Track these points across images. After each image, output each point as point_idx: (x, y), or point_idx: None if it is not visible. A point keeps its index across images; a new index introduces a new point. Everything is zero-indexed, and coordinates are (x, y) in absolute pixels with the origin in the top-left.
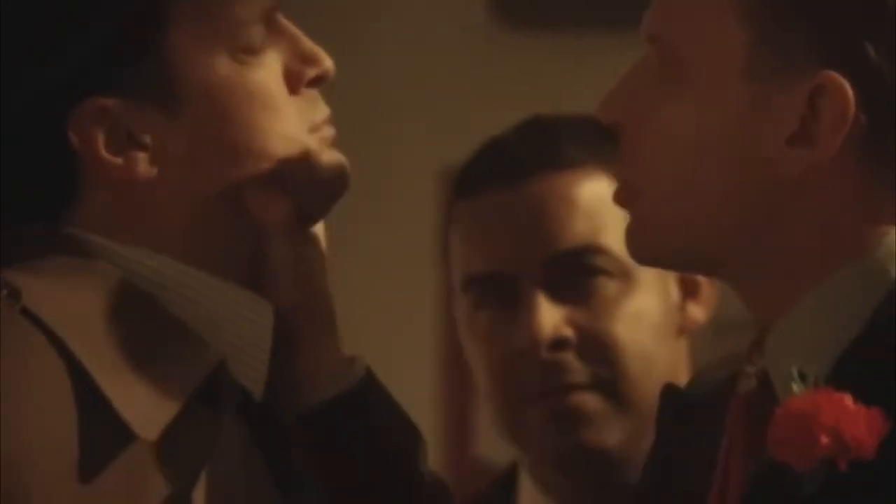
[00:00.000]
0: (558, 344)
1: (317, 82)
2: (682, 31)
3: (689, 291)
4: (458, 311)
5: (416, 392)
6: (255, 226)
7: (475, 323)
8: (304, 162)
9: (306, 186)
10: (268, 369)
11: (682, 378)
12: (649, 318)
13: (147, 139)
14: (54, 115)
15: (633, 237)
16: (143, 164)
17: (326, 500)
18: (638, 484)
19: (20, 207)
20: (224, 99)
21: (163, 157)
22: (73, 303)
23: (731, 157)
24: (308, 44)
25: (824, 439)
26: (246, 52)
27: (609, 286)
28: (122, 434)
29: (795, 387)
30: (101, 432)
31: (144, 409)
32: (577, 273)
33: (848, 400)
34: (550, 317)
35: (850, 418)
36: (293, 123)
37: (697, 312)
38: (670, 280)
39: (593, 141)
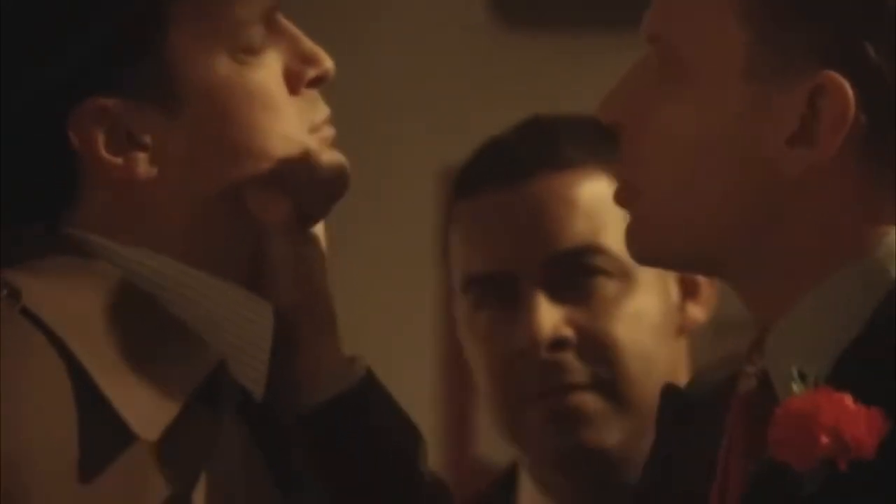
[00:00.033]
0: (558, 344)
1: (317, 82)
2: (682, 31)
3: (688, 291)
4: (458, 312)
5: (416, 392)
6: (255, 226)
7: (475, 323)
8: (304, 162)
9: (306, 187)
10: (268, 369)
11: (682, 378)
12: (649, 318)
13: (147, 139)
14: (54, 115)
15: (634, 237)
16: (143, 165)
17: (326, 501)
18: (638, 484)
19: (20, 207)
20: (224, 99)
21: (163, 158)
22: (73, 303)
23: (731, 157)
24: (308, 44)
25: (824, 439)
26: (246, 52)
27: (609, 286)
28: (122, 434)
29: (795, 387)
30: (101, 433)
31: (144, 409)
32: (576, 273)
33: (848, 400)
34: (550, 317)
35: (851, 418)
36: (293, 123)
37: (697, 312)
38: (670, 280)
39: (593, 141)
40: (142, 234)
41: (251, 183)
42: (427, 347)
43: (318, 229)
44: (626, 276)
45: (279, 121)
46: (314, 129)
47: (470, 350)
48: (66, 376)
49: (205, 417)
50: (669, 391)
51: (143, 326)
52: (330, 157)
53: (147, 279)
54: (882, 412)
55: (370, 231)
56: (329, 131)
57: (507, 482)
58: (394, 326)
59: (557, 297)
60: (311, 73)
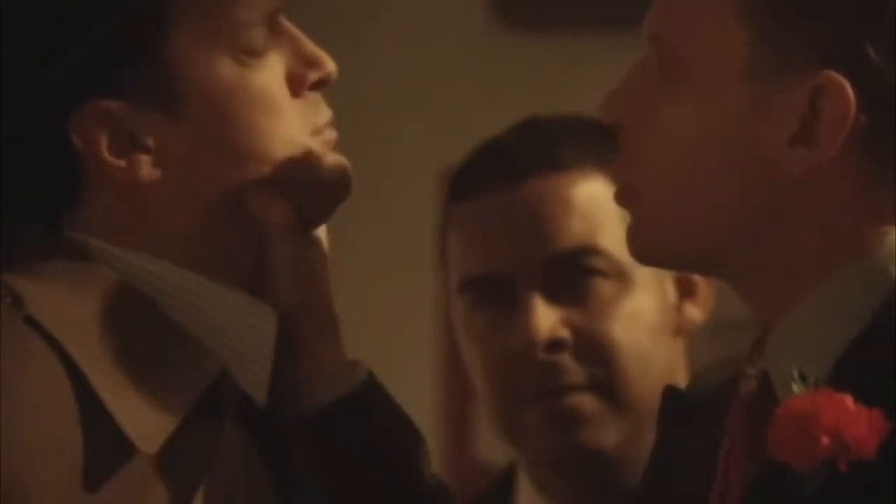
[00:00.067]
0: (555, 345)
1: (319, 85)
2: (682, 31)
3: (685, 291)
4: (455, 313)
5: (416, 392)
6: (257, 229)
7: (472, 324)
8: (306, 165)
9: (308, 189)
10: (270, 374)
11: (680, 378)
12: (646, 318)
13: (150, 142)
14: (56, 116)
15: (634, 238)
16: (145, 167)
17: (326, 502)
18: (639, 486)
19: (21, 208)
20: (226, 101)
21: (165, 160)
22: (74, 309)
23: (731, 157)
24: (311, 46)
25: (824, 440)
26: (248, 54)
27: (605, 287)
28: (123, 445)
29: (796, 387)
30: (103, 443)
31: (145, 422)
32: (573, 274)
33: (848, 400)
34: (547, 318)
35: (851, 419)
36: (295, 126)
37: (694, 312)
38: (667, 280)
39: (590, 142)
40: (143, 236)
41: (253, 185)
42: (427, 348)
43: (321, 232)
44: (622, 277)
45: (281, 123)
46: (316, 132)
47: (467, 351)
48: (67, 383)
49: (206, 426)
50: (670, 393)
51: (145, 334)
52: (332, 160)
53: (148, 283)
54: (883, 413)
55: (370, 231)
56: (331, 134)
57: (505, 483)
58: (394, 327)
59: (554, 298)
60: (314, 75)
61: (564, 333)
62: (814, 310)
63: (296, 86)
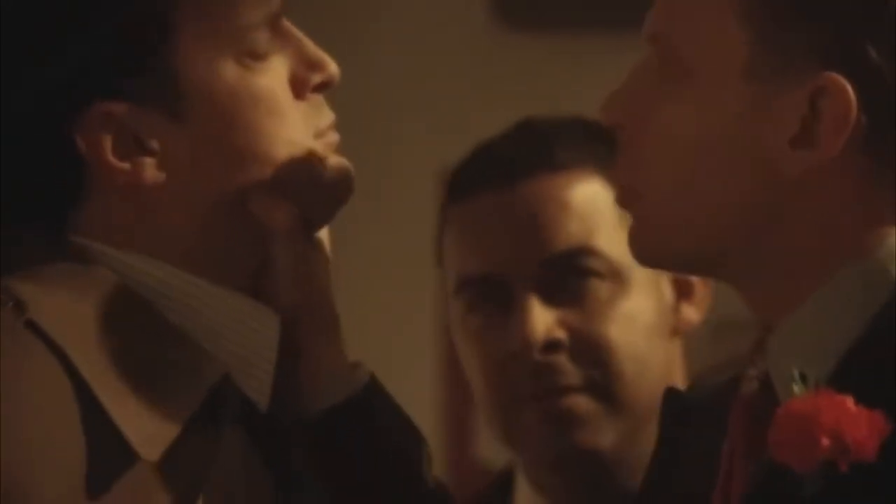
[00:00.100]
0: (551, 346)
1: (322, 88)
2: (682, 31)
3: (682, 292)
4: (452, 314)
5: (416, 393)
6: (259, 231)
7: (468, 325)
8: (309, 167)
9: (311, 192)
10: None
11: (677, 379)
12: (642, 319)
13: (154, 144)
14: (60, 119)
15: (635, 239)
16: (149, 169)
17: (326, 502)
18: (640, 487)
19: (24, 210)
20: (230, 103)
21: (169, 163)
22: (76, 314)
23: (732, 157)
24: (314, 49)
25: (825, 441)
26: (251, 56)
27: (602, 288)
28: (124, 451)
29: (796, 388)
30: (104, 448)
31: (147, 428)
32: (569, 275)
33: (849, 402)
34: (543, 319)
35: (851, 420)
36: (298, 128)
37: (691, 313)
38: (664, 281)
39: (586, 143)
40: (145, 238)
41: (256, 188)
42: (427, 348)
43: (323, 234)
44: (619, 278)
45: (284, 126)
46: (319, 135)
47: (463, 352)
48: (69, 388)
49: (206, 431)
50: (671, 394)
51: (146, 338)
52: (335, 162)
53: (149, 287)
54: (883, 414)
55: (370, 231)
56: (334, 136)
57: (504, 484)
58: (394, 327)
59: (550, 299)
60: (317, 78)
61: (561, 334)
62: (814, 311)
63: (299, 88)
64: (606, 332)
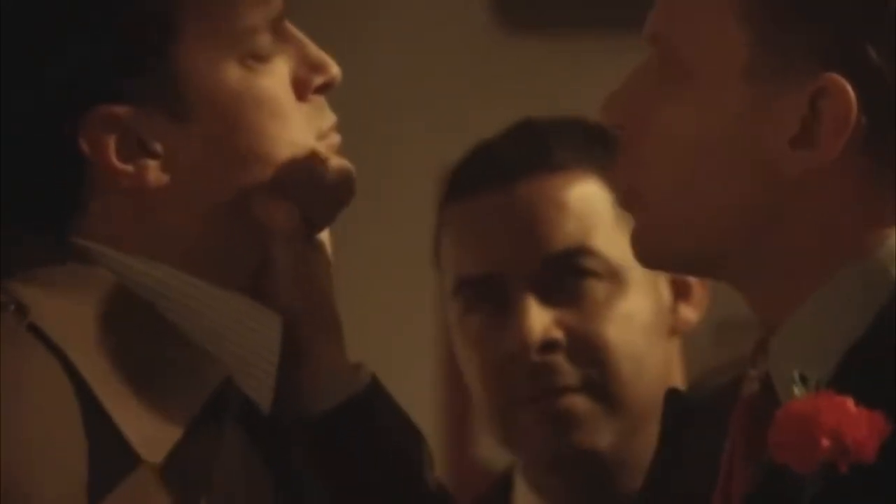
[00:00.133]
0: (548, 346)
1: (324, 89)
2: (682, 32)
3: (680, 292)
4: (450, 314)
5: (416, 393)
6: (260, 232)
7: (466, 326)
8: (310, 168)
9: (312, 193)
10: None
11: (675, 379)
12: (640, 319)
13: (158, 147)
14: (63, 121)
15: (638, 241)
16: (153, 172)
17: (326, 502)
18: (641, 487)
19: (26, 212)
20: (233, 105)
21: (173, 165)
22: (78, 317)
23: (732, 158)
24: (315, 51)
25: (825, 442)
26: (254, 58)
27: (599, 288)
28: (126, 453)
29: (797, 390)
30: (105, 450)
31: (149, 431)
32: (567, 275)
33: (849, 403)
34: (541, 319)
35: (851, 421)
36: (301, 130)
37: (689, 313)
38: (661, 281)
39: (583, 143)
40: (146, 240)
41: (258, 189)
42: (427, 348)
43: (324, 236)
44: (616, 278)
45: (287, 127)
46: (321, 136)
47: (461, 352)
48: (70, 390)
49: (209, 433)
50: (673, 395)
51: (148, 340)
52: (337, 163)
53: (150, 289)
54: (884, 415)
55: (370, 231)
56: (335, 138)
57: (504, 484)
58: (394, 327)
59: (548, 299)
60: (319, 79)
61: (558, 334)
62: (814, 312)
63: (301, 90)
64: (604, 331)
